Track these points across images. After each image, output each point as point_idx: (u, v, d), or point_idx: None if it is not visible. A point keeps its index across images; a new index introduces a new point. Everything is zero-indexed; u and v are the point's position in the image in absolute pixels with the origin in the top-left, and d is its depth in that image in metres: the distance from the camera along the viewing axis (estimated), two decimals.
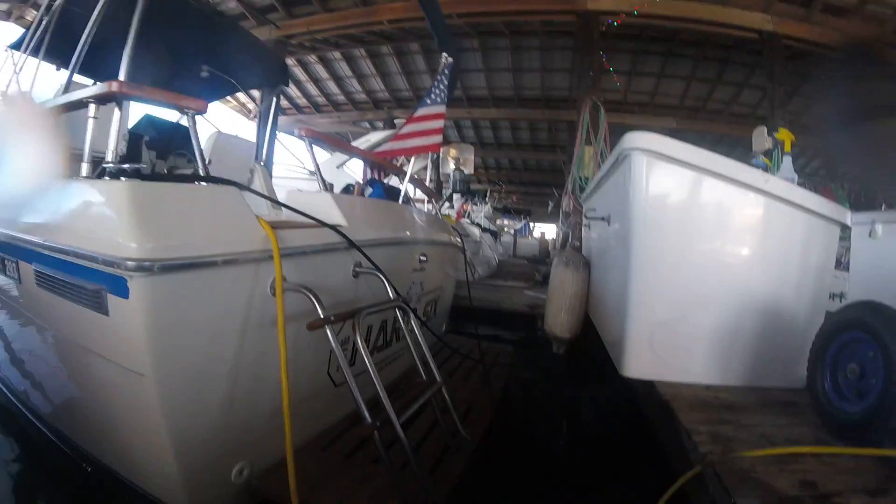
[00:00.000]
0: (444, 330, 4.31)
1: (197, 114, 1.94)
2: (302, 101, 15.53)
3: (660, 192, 2.53)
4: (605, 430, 3.04)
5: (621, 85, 11.88)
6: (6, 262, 2.21)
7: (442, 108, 3.64)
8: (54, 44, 2.84)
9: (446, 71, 3.43)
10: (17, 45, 3.23)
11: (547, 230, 23.19)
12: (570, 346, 4.42)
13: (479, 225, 10.18)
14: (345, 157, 7.47)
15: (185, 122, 2.00)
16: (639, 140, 2.49)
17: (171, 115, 3.29)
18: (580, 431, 3.24)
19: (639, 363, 2.61)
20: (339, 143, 2.91)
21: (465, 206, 11.16)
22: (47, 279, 1.85)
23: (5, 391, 2.88)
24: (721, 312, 2.53)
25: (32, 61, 2.94)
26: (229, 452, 1.86)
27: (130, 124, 3.19)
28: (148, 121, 2.81)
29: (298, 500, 1.65)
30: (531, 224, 23.18)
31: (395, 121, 10.27)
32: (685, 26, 9.17)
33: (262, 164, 4.50)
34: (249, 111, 14.66)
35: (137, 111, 3.24)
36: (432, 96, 3.71)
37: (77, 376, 2.06)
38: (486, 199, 13.81)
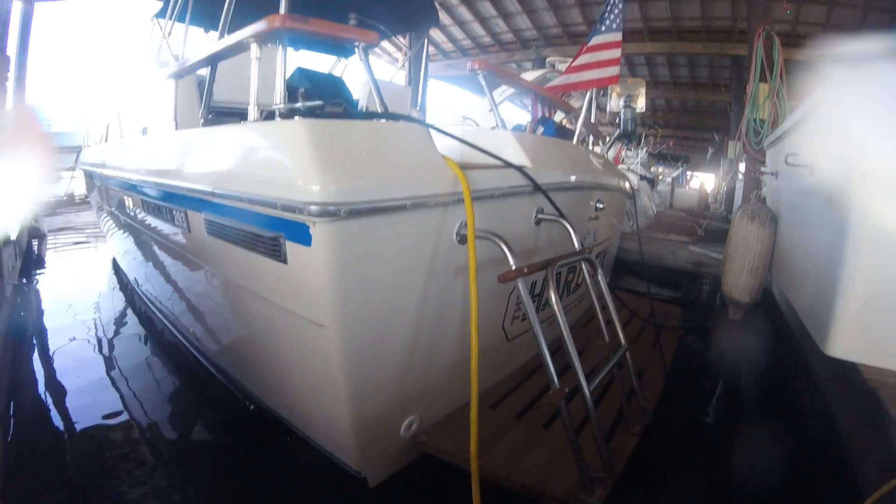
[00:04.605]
0: None
1: (368, 47, 1.76)
2: (448, 46, 15.34)
3: None
4: (788, 424, 2.57)
5: (791, 12, 9.61)
6: (174, 212, 2.18)
7: (618, 36, 3.25)
8: (198, 7, 2.88)
9: None
10: (161, 14, 3.31)
11: (706, 179, 20.78)
12: (747, 313, 3.85)
13: (635, 172, 9.32)
14: (501, 97, 7.15)
15: (337, 71, 1.85)
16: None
17: (321, 67, 3.23)
18: (759, 418, 2.78)
19: (848, 342, 2.03)
20: (512, 75, 2.66)
21: (620, 151, 10.23)
22: (219, 227, 1.79)
23: (175, 333, 3.10)
24: None
25: (179, 28, 2.99)
26: (401, 406, 1.79)
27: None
28: (301, 73, 2.78)
29: (466, 458, 1.53)
30: (688, 172, 20.90)
31: (547, 59, 9.57)
32: None
33: (417, 109, 4.43)
34: (396, 59, 14.90)
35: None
36: (606, 23, 3.33)
37: (248, 323, 2.02)
38: (642, 143, 12.57)
